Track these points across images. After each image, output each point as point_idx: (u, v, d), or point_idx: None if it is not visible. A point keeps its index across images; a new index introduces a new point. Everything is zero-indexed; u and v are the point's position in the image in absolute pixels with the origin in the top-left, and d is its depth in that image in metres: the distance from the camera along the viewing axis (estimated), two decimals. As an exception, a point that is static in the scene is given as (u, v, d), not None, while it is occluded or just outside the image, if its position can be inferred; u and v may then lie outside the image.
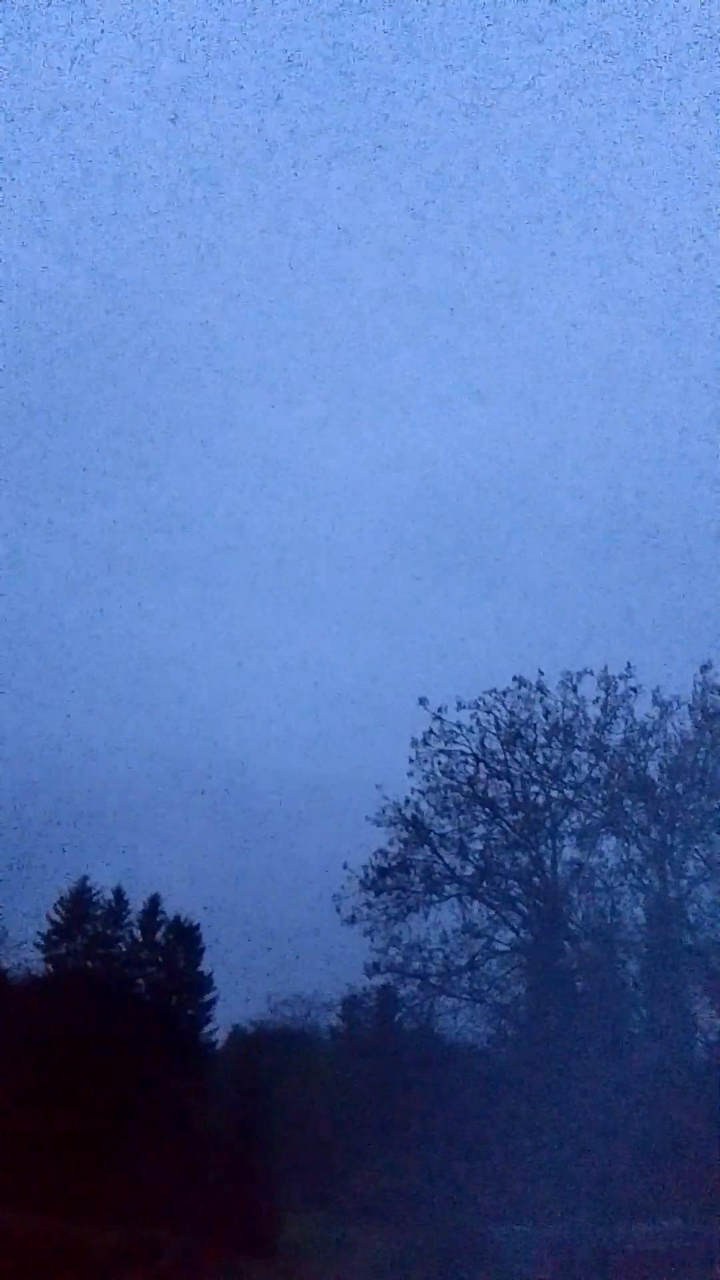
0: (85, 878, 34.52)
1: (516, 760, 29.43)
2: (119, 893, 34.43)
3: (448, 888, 29.12)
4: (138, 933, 34.39)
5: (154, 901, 34.24)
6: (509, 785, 29.45)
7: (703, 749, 28.37)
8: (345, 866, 29.05)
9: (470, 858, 29.36)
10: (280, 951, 32.43)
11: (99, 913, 34.43)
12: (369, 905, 28.92)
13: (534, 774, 29.38)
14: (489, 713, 29.50)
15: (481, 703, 29.52)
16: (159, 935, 34.17)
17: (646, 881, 28.27)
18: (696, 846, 28.12)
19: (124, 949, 34.25)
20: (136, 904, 34.52)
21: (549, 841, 29.39)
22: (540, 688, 29.42)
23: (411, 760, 29.36)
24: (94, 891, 34.65)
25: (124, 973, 33.76)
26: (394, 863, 29.24)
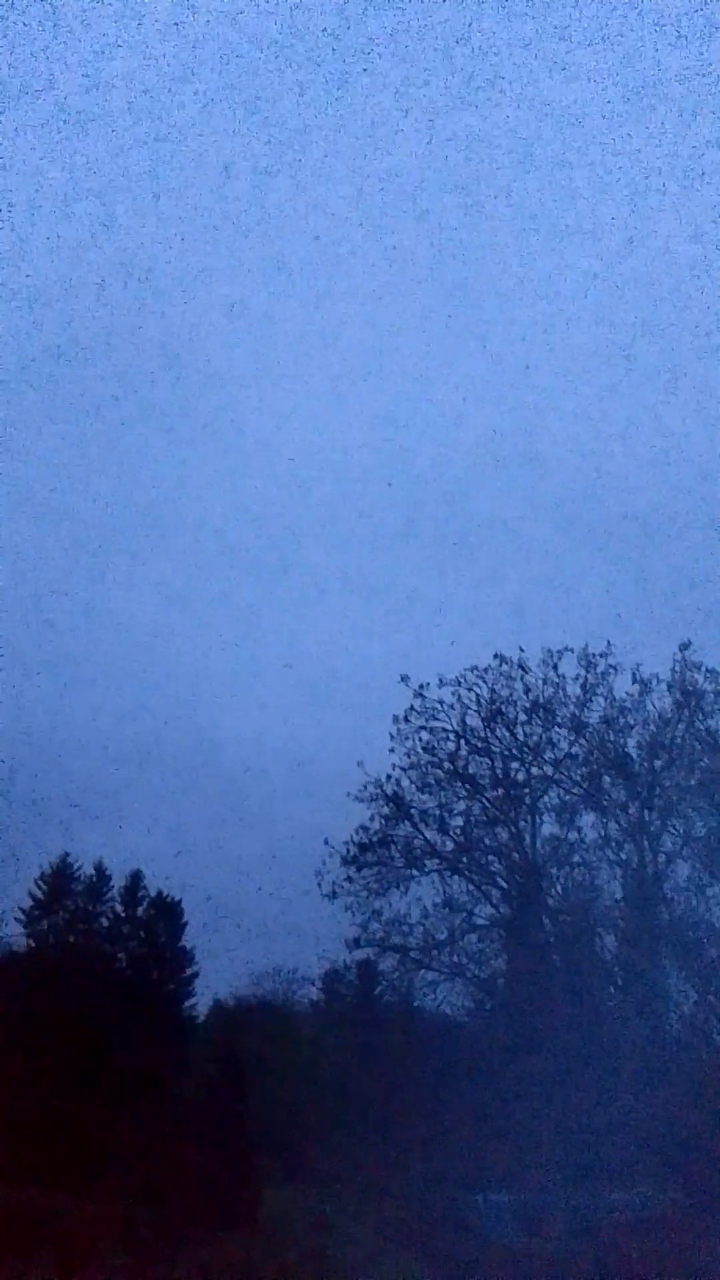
0: (66, 853, 34.58)
1: (497, 737, 29.61)
2: (100, 868, 34.55)
3: (428, 863, 29.36)
4: (119, 908, 34.53)
5: (135, 877, 34.36)
6: (489, 762, 29.65)
7: (680, 726, 28.58)
8: (327, 842, 29.26)
9: (451, 833, 29.60)
10: (262, 926, 32.69)
11: (80, 888, 34.52)
12: (350, 880, 29.17)
13: (514, 751, 29.56)
14: (470, 690, 29.64)
15: (463, 680, 29.64)
16: (140, 910, 34.31)
17: (624, 857, 28.56)
18: (673, 822, 28.40)
19: (105, 924, 34.40)
20: (118, 880, 34.66)
21: (528, 817, 29.64)
22: (521, 665, 29.54)
23: (393, 737, 29.50)
24: (75, 867, 34.74)
25: (105, 947, 33.93)
26: (375, 838, 29.43)
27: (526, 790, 29.61)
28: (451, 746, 29.56)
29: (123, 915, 34.46)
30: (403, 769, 29.43)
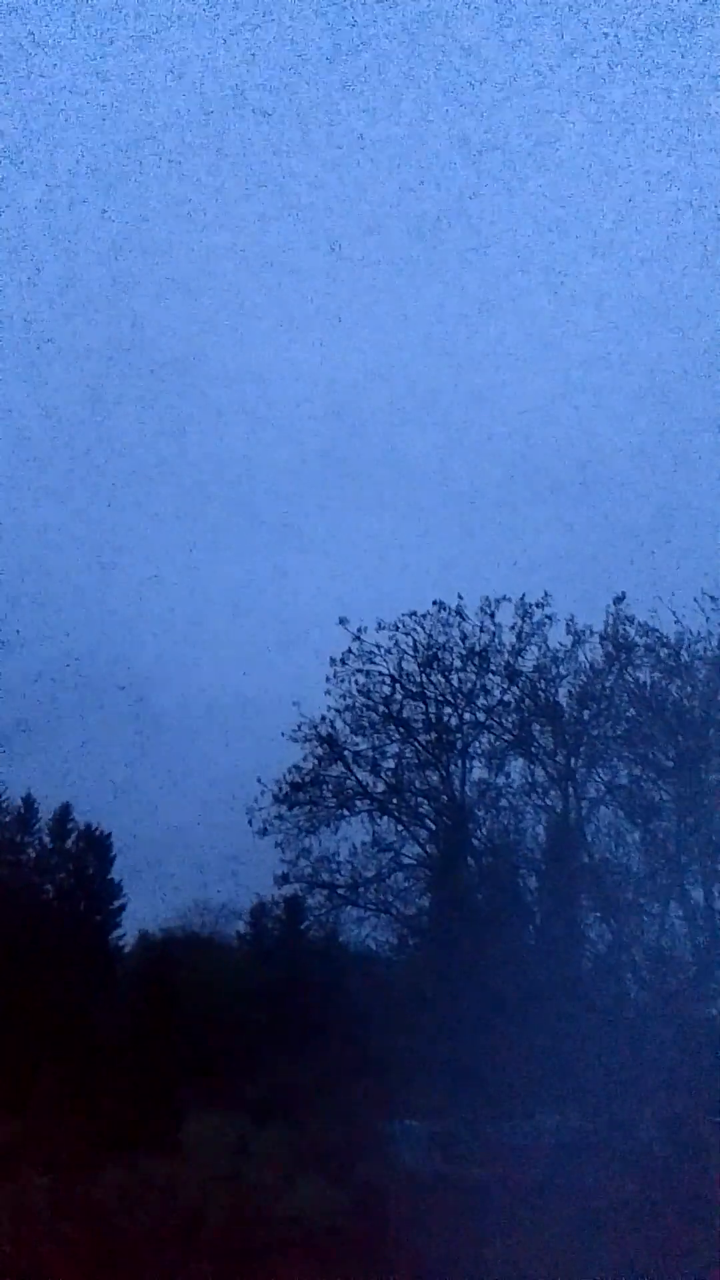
0: (-7, 784, 34.21)
1: (432, 682, 29.90)
2: (28, 800, 34.33)
3: (359, 804, 29.76)
4: (47, 840, 34.45)
5: (64, 809, 34.26)
6: (424, 706, 29.96)
7: (610, 678, 29.11)
8: (259, 780, 29.47)
9: (382, 775, 29.99)
10: (192, 861, 32.91)
11: (8, 819, 34.30)
12: (281, 818, 29.46)
13: (448, 696, 29.90)
14: (408, 635, 29.80)
15: (401, 625, 29.78)
16: (69, 843, 34.28)
17: (549, 802, 29.23)
18: (598, 770, 29.08)
19: (33, 855, 34.33)
20: (46, 812, 34.51)
21: (459, 762, 30.12)
22: (459, 612, 29.73)
23: (329, 679, 29.64)
24: (3, 798, 34.45)
25: (32, 879, 33.92)
26: (307, 778, 29.69)
27: (458, 735, 30.05)
28: (387, 690, 29.83)
29: (51, 847, 34.40)
30: (338, 711, 29.69)
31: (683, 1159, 20.73)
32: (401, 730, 29.89)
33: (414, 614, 29.75)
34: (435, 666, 29.73)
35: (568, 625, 29.43)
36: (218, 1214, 18.62)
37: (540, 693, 29.41)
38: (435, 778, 30.15)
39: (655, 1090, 21.88)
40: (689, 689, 28.40)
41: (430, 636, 29.77)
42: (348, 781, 29.77)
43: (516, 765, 29.42)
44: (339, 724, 29.67)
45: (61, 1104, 23.30)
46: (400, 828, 29.75)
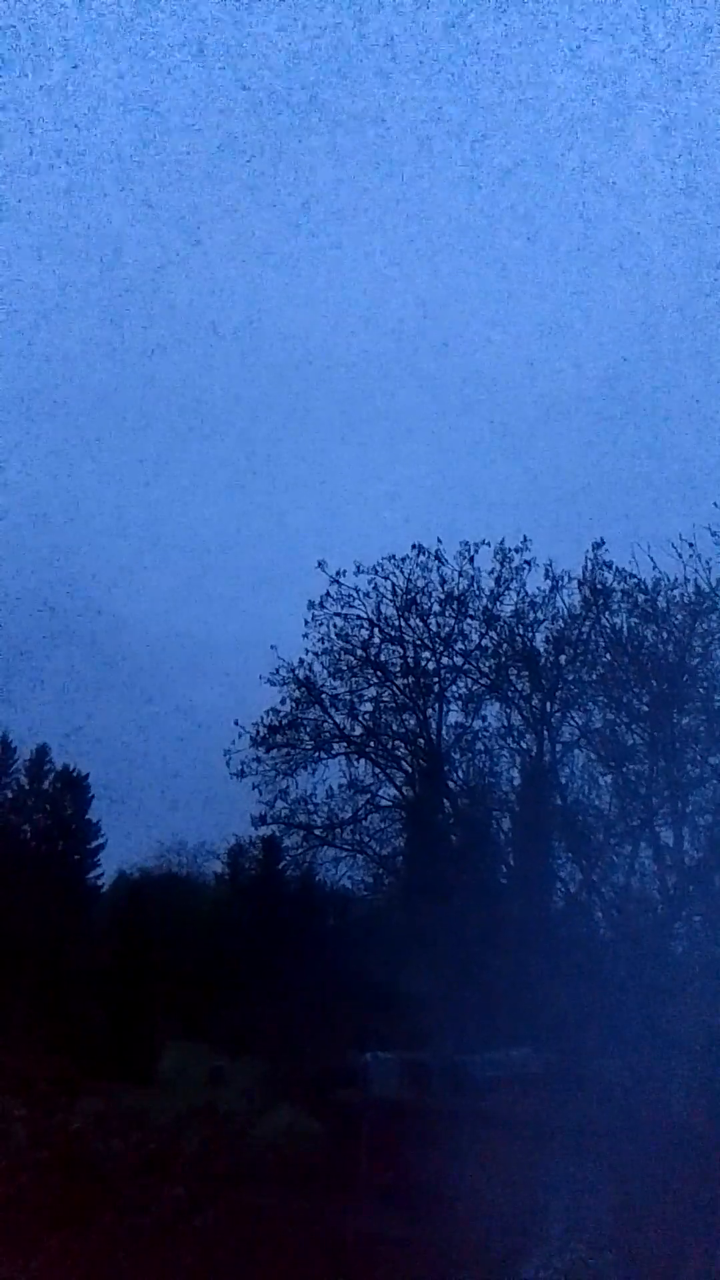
0: (-30, 726, 34.18)
1: (410, 626, 29.81)
2: (5, 741, 34.35)
3: (336, 746, 29.82)
4: (25, 781, 34.51)
5: (41, 751, 34.27)
6: (401, 650, 29.92)
7: (587, 623, 29.14)
8: (237, 723, 29.47)
9: (359, 718, 30.03)
10: (169, 802, 33.09)
11: (-16, 760, 34.33)
12: (258, 760, 29.48)
13: (426, 640, 29.86)
14: (386, 579, 29.60)
15: (380, 568, 29.58)
16: (47, 784, 34.36)
17: (524, 746, 29.44)
18: (573, 714, 29.23)
19: (10, 796, 34.44)
20: (25, 753, 34.53)
21: (435, 705, 30.20)
22: (438, 556, 29.53)
23: (307, 622, 29.50)
24: (-21, 739, 34.42)
25: (9, 819, 34.09)
26: (285, 721, 29.70)
27: (436, 679, 30.09)
28: (365, 634, 29.73)
29: (28, 788, 34.48)
30: (316, 654, 29.58)
31: (645, 1089, 21.43)
32: (379, 674, 29.91)
33: (393, 558, 29.56)
34: (413, 610, 29.65)
35: (546, 570, 29.37)
36: (193, 1142, 19.10)
37: (517, 637, 29.42)
38: (412, 721, 30.28)
39: (620, 1024, 22.50)
40: (664, 634, 28.50)
41: (409, 580, 29.63)
42: (325, 724, 29.84)
43: (492, 709, 29.56)
44: (317, 667, 29.65)
45: (40, 1037, 23.68)
46: (377, 770, 29.93)
